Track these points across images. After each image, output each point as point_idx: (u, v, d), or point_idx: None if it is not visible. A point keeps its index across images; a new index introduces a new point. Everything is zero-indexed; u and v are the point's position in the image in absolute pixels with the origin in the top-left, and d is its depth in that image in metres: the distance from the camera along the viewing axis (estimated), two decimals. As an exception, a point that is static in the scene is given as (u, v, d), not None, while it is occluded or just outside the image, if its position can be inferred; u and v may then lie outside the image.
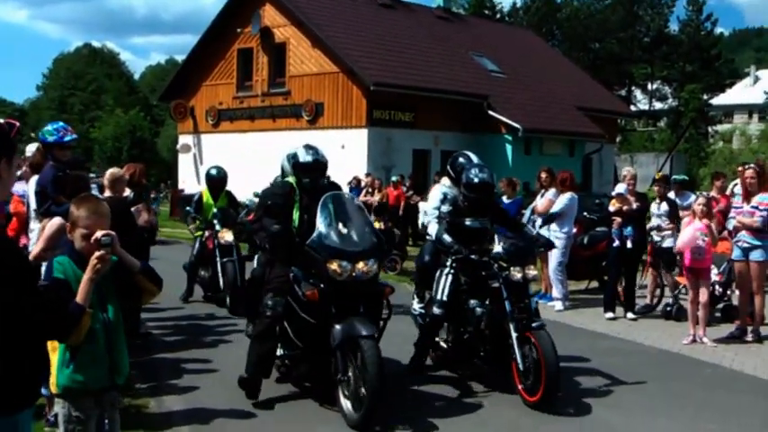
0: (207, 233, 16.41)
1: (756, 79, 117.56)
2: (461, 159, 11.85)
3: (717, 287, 14.33)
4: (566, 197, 16.31)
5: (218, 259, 15.92)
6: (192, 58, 42.72)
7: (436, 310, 10.28)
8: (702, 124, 75.44)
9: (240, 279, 15.51)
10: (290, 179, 10.14)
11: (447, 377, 10.87)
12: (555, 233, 16.12)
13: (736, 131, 60.24)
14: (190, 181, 41.73)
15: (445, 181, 12.26)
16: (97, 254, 5.30)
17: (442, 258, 10.78)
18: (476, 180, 10.63)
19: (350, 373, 8.84)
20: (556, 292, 16.42)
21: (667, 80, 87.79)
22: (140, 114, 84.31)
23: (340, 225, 9.36)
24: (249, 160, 36.89)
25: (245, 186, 32.02)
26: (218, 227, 16.15)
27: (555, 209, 16.24)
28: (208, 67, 41.63)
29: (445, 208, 11.02)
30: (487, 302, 10.06)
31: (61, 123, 10.79)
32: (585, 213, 19.80)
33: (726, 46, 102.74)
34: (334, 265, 8.99)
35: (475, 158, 11.96)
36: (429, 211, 11.87)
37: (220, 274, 15.83)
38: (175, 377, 10.80)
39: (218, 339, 12.97)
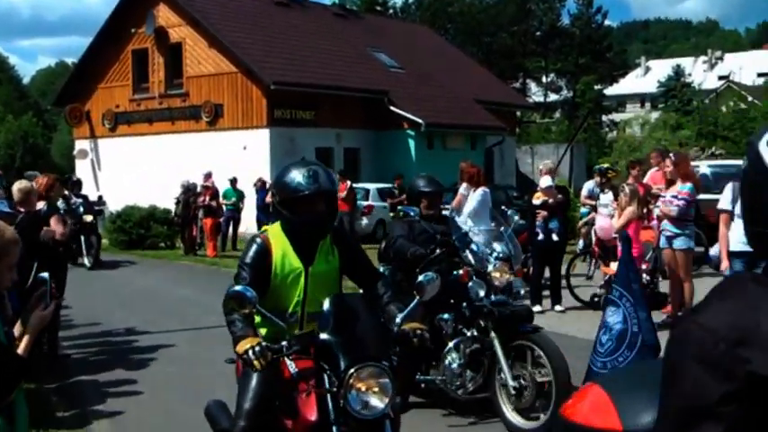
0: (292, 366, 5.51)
1: (647, 69, 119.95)
2: None
3: (644, 275, 14.21)
4: (478, 193, 16.01)
5: None
6: (86, 61, 41.58)
7: None
8: (598, 114, 76.44)
9: None
10: None
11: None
12: (473, 230, 15.88)
13: (639, 119, 61.08)
14: (88, 187, 40.71)
15: None
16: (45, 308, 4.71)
17: None
18: None
19: None
20: (478, 289, 16.17)
21: (561, 72, 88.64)
22: (32, 120, 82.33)
23: None
24: (149, 164, 36.22)
25: (147, 193, 31.46)
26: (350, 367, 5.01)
27: (470, 207, 15.93)
28: (102, 70, 40.58)
29: None
30: None
31: None
32: (503, 207, 19.60)
33: (615, 38, 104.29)
34: None
35: None
36: None
37: None
38: (101, 402, 10.04)
39: (142, 358, 12.18)
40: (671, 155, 14.09)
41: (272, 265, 5.69)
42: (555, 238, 14.85)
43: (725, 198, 11.26)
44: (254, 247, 5.76)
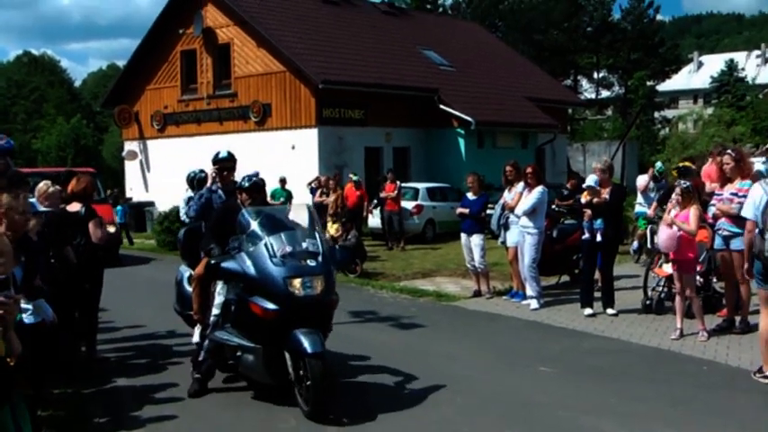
0: None
1: (700, 65, 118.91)
2: None
3: (698, 277, 13.70)
4: (537, 191, 15.72)
5: None
6: (134, 62, 41.60)
7: None
8: (650, 110, 75.55)
9: None
10: None
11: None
12: (527, 229, 15.59)
13: (692, 115, 60.28)
14: (137, 188, 40.85)
15: None
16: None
17: None
18: None
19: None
20: (530, 290, 15.75)
21: (613, 68, 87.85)
22: (83, 122, 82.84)
23: None
24: (197, 165, 35.92)
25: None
26: None
27: (528, 204, 15.61)
28: (151, 71, 40.60)
29: None
30: None
31: None
32: (554, 206, 19.24)
33: (667, 33, 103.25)
34: None
35: None
36: None
37: None
38: (138, 408, 9.62)
39: (182, 361, 11.65)
40: (729, 150, 13.26)
41: None
42: (598, 238, 14.32)
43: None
44: None
